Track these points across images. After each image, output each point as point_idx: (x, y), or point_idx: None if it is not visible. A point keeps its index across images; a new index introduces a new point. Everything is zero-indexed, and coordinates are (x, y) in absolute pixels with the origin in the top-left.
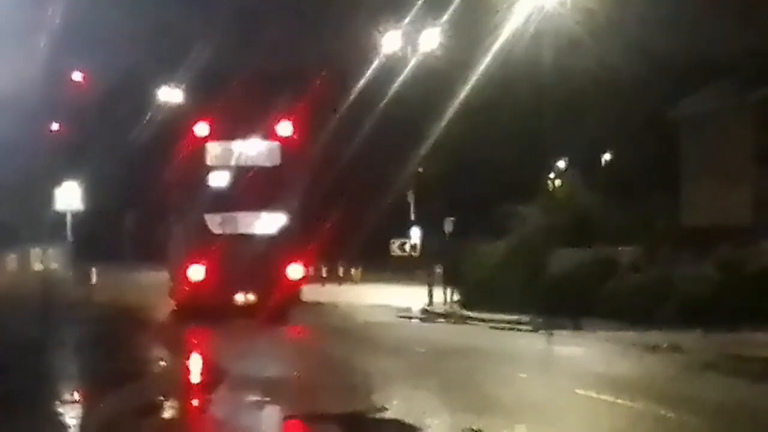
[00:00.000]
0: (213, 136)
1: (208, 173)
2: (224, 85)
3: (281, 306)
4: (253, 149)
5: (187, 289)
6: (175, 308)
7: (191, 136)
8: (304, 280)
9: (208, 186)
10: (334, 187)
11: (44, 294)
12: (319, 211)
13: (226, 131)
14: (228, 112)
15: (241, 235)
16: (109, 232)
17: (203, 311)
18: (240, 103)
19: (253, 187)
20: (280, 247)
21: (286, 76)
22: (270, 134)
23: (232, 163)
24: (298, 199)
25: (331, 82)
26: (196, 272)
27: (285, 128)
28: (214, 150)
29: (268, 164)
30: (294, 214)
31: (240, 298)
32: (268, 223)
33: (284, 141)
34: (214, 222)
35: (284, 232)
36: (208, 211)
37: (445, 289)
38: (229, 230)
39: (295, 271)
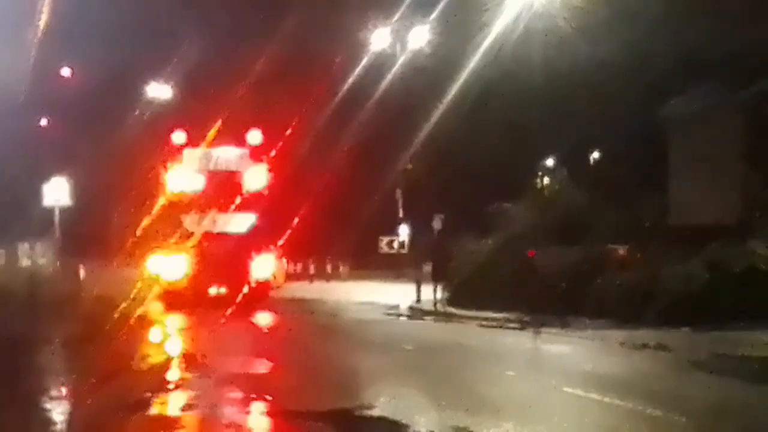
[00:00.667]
0: (189, 143)
1: (184, 177)
2: (210, 84)
3: (251, 298)
4: (225, 156)
5: (165, 282)
6: (157, 300)
7: (169, 143)
8: (274, 275)
9: (183, 188)
10: (316, 186)
11: (31, 289)
12: (290, 211)
13: (200, 139)
14: (204, 120)
15: (213, 233)
16: (97, 227)
17: (180, 302)
18: (216, 112)
19: (224, 190)
20: (249, 244)
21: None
22: (240, 142)
23: (206, 167)
24: (266, 201)
25: (318, 80)
26: (172, 266)
27: (255, 137)
28: (189, 156)
29: (238, 169)
30: (261, 215)
31: (213, 290)
32: (238, 222)
33: (253, 149)
34: (190, 221)
35: (252, 231)
36: (184, 212)
37: (434, 286)
38: (202, 229)
39: (262, 266)
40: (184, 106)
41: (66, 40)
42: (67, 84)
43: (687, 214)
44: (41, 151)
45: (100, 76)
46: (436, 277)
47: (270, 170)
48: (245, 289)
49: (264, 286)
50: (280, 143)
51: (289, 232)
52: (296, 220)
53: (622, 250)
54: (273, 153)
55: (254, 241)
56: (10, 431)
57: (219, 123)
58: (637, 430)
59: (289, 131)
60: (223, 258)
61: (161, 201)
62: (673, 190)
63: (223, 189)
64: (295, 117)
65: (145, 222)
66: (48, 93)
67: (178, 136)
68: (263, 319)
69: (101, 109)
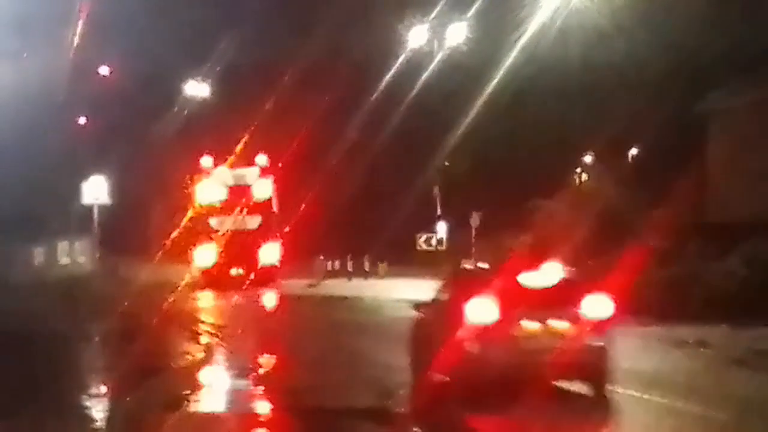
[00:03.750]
0: (214, 165)
1: (211, 190)
2: (245, 82)
3: (261, 277)
4: (240, 174)
5: (202, 267)
6: (196, 282)
7: (198, 166)
8: (280, 260)
9: (211, 199)
10: (350, 184)
11: (70, 287)
12: (293, 212)
13: (224, 157)
14: (236, 125)
15: (233, 230)
16: (135, 226)
17: (211, 281)
18: (249, 113)
19: (240, 199)
20: (258, 238)
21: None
22: (252, 163)
23: (227, 183)
24: (271, 204)
25: (355, 79)
26: (206, 256)
27: (262, 159)
28: (215, 174)
29: (250, 183)
30: (267, 216)
31: (233, 271)
32: (250, 222)
33: (262, 168)
34: (215, 222)
35: (261, 228)
36: (211, 215)
37: None
38: (224, 227)
39: (268, 253)
40: (220, 105)
41: (105, 38)
42: (106, 83)
43: (726, 209)
44: (80, 150)
45: (139, 75)
46: None
47: (275, 182)
48: (256, 270)
49: (272, 270)
50: (305, 147)
51: (287, 227)
52: (303, 220)
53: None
54: (286, 160)
55: (262, 235)
56: (49, 428)
57: (240, 146)
58: (676, 427)
59: (322, 130)
60: (240, 248)
61: (193, 209)
62: (712, 186)
63: (239, 198)
64: (331, 115)
65: (183, 224)
66: (87, 92)
67: (206, 161)
68: (296, 313)
69: (139, 108)
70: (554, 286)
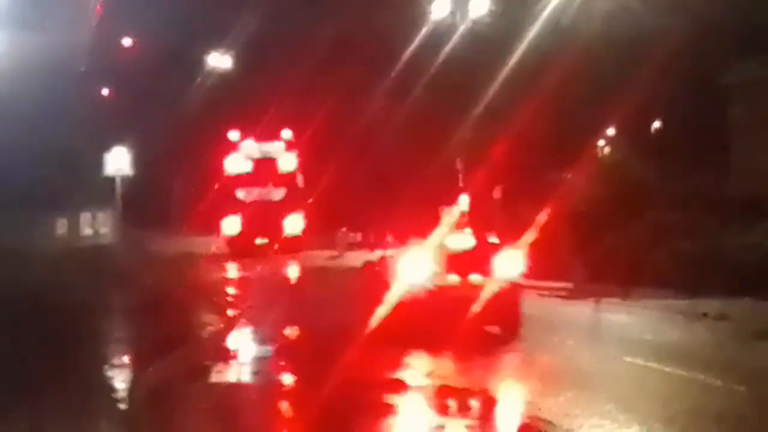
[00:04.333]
0: (242, 137)
1: (237, 163)
2: (268, 54)
3: (285, 246)
4: (266, 147)
5: (229, 235)
6: (217, 252)
7: (224, 138)
8: (303, 231)
9: (238, 171)
10: (372, 157)
11: (94, 258)
12: (317, 185)
13: (251, 130)
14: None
15: (258, 201)
16: (159, 197)
17: (237, 248)
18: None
19: (265, 172)
20: (282, 208)
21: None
22: (276, 135)
23: (253, 156)
24: (296, 177)
25: (376, 52)
26: (232, 225)
27: (286, 133)
28: (242, 148)
29: (275, 157)
30: (290, 189)
31: (258, 240)
32: (275, 194)
33: (287, 142)
34: (242, 194)
35: (285, 199)
36: (238, 187)
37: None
38: (250, 198)
39: (292, 223)
40: (243, 77)
41: (127, 9)
42: (129, 54)
43: (748, 182)
44: (102, 121)
45: (161, 47)
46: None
47: (299, 155)
48: (281, 239)
49: (295, 240)
50: (328, 120)
51: (311, 199)
52: (325, 191)
53: None
54: (310, 133)
55: (287, 206)
56: (71, 399)
57: (266, 119)
58: (696, 400)
59: (344, 103)
60: (265, 218)
61: (220, 181)
62: (735, 159)
63: (265, 171)
64: (353, 88)
65: (210, 195)
66: (110, 63)
67: (233, 134)
68: (319, 283)
69: (162, 79)
70: (473, 248)
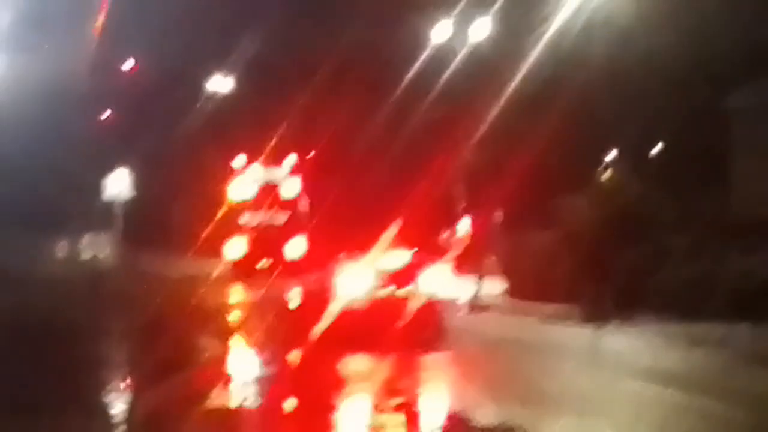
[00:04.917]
0: (245, 163)
1: (242, 188)
2: (269, 77)
3: (288, 271)
4: (269, 173)
5: (232, 259)
6: (221, 275)
7: (229, 163)
8: (305, 255)
9: (242, 197)
10: (371, 180)
11: (93, 281)
12: (317, 210)
13: (256, 156)
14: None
15: (261, 226)
16: (159, 221)
17: (240, 272)
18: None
19: (269, 197)
20: (285, 233)
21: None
22: (280, 159)
23: (257, 181)
24: (299, 201)
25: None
26: (235, 249)
27: (291, 159)
28: (246, 174)
29: (278, 182)
30: (295, 212)
31: (260, 264)
32: (277, 218)
33: (291, 167)
34: (244, 219)
35: (288, 224)
36: (242, 211)
37: (493, 279)
38: (254, 223)
39: (295, 248)
40: (245, 100)
41: (129, 32)
42: (129, 77)
43: (750, 207)
44: (103, 144)
45: (162, 70)
46: (496, 271)
47: (303, 180)
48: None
49: (297, 264)
50: (330, 144)
51: (313, 224)
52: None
53: None
54: (313, 158)
55: (289, 230)
56: (69, 423)
57: (271, 144)
58: (696, 425)
59: (346, 126)
60: (267, 242)
61: (225, 206)
62: (736, 183)
63: (269, 195)
64: (355, 112)
65: (215, 220)
66: (111, 86)
67: (238, 161)
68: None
69: (163, 102)
70: (403, 267)
